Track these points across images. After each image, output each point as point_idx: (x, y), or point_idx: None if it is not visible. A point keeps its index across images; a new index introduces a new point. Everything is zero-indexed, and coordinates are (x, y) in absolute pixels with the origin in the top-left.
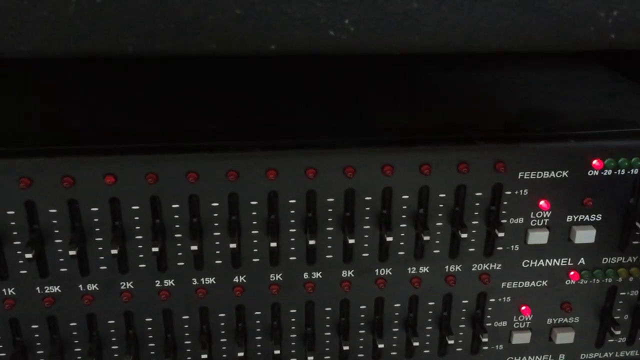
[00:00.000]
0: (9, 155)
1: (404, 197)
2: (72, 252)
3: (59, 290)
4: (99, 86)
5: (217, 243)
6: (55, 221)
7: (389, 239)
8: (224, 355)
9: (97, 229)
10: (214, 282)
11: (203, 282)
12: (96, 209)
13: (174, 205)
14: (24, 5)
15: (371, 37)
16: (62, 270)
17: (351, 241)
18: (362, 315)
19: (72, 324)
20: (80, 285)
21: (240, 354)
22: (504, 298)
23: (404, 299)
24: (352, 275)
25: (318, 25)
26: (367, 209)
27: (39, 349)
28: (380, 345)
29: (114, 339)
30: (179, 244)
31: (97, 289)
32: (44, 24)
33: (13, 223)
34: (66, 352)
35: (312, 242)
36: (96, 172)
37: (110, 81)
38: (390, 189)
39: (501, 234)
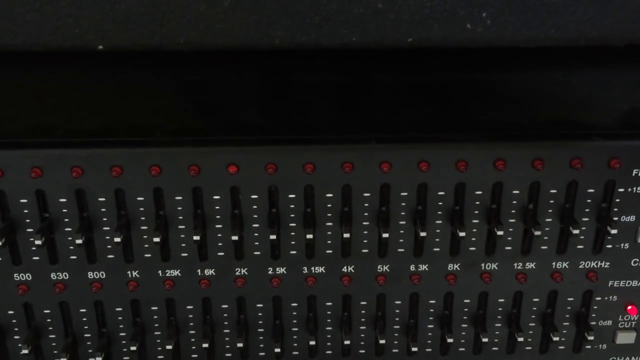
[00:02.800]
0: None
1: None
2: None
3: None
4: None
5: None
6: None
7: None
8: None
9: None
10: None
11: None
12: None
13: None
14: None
15: (507, 30)
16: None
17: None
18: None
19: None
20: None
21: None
22: (611, 297)
23: (509, 294)
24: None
25: (457, 18)
26: (477, 203)
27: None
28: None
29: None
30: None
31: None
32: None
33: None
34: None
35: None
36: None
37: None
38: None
39: (613, 231)
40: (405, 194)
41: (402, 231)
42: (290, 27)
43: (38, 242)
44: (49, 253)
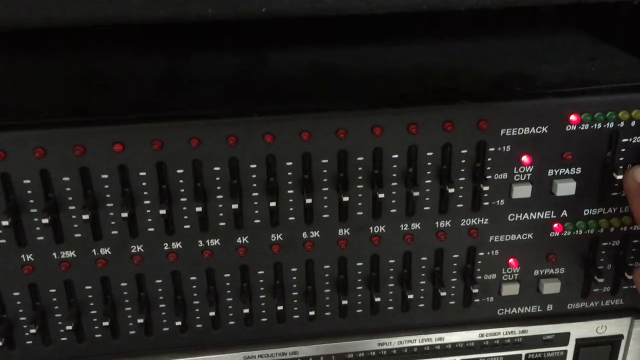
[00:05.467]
0: (23, 127)
1: (394, 156)
2: (85, 217)
3: (74, 255)
4: (100, 60)
5: (220, 206)
6: (68, 188)
7: (381, 196)
8: (231, 314)
9: (108, 195)
10: (219, 243)
11: (208, 244)
12: (106, 176)
13: (178, 171)
14: None
15: None
16: (77, 235)
17: (345, 199)
18: (359, 272)
19: (87, 288)
20: (94, 250)
21: (246, 311)
22: (492, 251)
23: (398, 255)
24: (348, 234)
25: None
26: (359, 169)
27: (57, 312)
28: (377, 299)
29: (126, 300)
30: (184, 208)
31: (110, 253)
32: None
33: (29, 192)
34: (82, 314)
35: (308, 201)
36: (105, 140)
37: (113, 55)
38: (380, 149)
39: (486, 188)
40: (291, 163)
41: (290, 200)
42: (147, 2)
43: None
44: None
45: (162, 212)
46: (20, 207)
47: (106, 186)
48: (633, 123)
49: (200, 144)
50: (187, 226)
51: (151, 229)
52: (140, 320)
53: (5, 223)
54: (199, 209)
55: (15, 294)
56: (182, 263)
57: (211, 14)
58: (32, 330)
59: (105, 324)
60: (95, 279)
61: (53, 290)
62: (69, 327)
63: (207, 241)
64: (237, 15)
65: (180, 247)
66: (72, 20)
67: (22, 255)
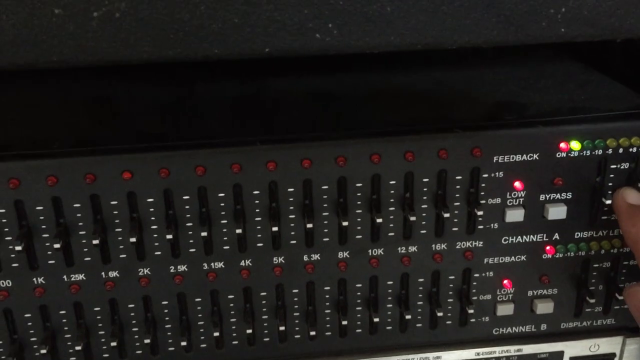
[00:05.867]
0: (37, 156)
1: (391, 182)
2: (95, 242)
3: (84, 278)
4: (108, 90)
5: (225, 230)
6: (79, 214)
7: (379, 220)
8: (234, 334)
9: (117, 221)
10: (223, 266)
11: (213, 267)
12: (115, 202)
13: (184, 197)
14: (54, 21)
15: (353, 38)
16: (86, 259)
17: (345, 224)
18: (359, 293)
19: (96, 309)
20: (103, 273)
21: (249, 331)
22: (487, 273)
23: (396, 276)
24: (348, 256)
25: (306, 29)
26: (358, 194)
27: (67, 333)
28: (376, 320)
29: (134, 321)
30: (190, 232)
31: (118, 275)
32: (71, 37)
33: (42, 217)
34: (91, 335)
35: (309, 225)
36: (115, 168)
37: (120, 85)
38: (378, 176)
39: (480, 213)
40: (292, 189)
41: (292, 224)
42: (156, 43)
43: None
44: None
45: (169, 236)
46: (33, 233)
47: (115, 212)
48: (621, 150)
49: (206, 171)
50: (193, 250)
51: (158, 253)
52: (146, 341)
53: (18, 248)
54: (204, 234)
55: (27, 315)
56: (187, 285)
57: (217, 54)
58: (43, 351)
59: (113, 344)
60: (103, 300)
61: (63, 312)
62: (78, 348)
63: (212, 264)
64: (241, 56)
65: (186, 269)
66: (85, 62)
67: (34, 278)
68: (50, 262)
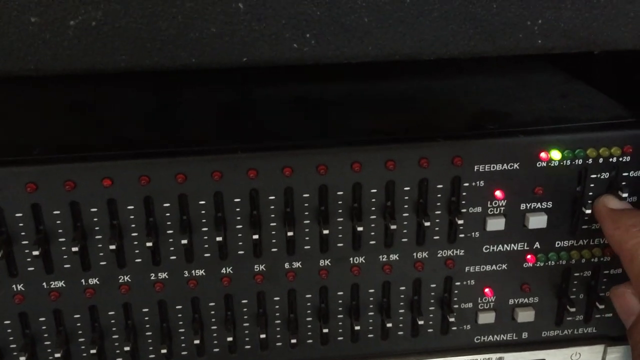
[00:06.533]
0: (16, 163)
1: (372, 191)
2: (75, 249)
3: (64, 285)
4: (88, 97)
5: (205, 238)
6: (58, 221)
7: (360, 229)
8: (215, 342)
9: (97, 228)
10: (204, 273)
11: (194, 274)
12: (95, 209)
13: (165, 204)
14: (30, 30)
15: (330, 49)
16: (66, 266)
17: (325, 232)
18: (340, 301)
19: (75, 316)
20: (83, 280)
21: (230, 339)
22: (468, 281)
23: (378, 284)
24: (329, 264)
25: (284, 39)
26: (340, 202)
27: (46, 340)
28: (357, 328)
29: (114, 329)
30: (171, 240)
31: (98, 283)
32: (48, 45)
33: (21, 224)
34: (71, 342)
35: (290, 233)
36: (95, 176)
37: (104, 94)
38: (360, 184)
39: (461, 222)
40: (273, 197)
41: (273, 232)
42: (134, 52)
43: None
44: None
45: (149, 244)
46: (12, 239)
47: (95, 219)
48: (601, 160)
49: (186, 179)
50: (173, 257)
51: (138, 260)
52: (127, 348)
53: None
54: (184, 241)
55: (6, 322)
56: (168, 293)
57: (195, 64)
58: (22, 358)
59: (93, 351)
60: (83, 308)
61: (43, 319)
62: (57, 355)
63: (193, 271)
64: (220, 65)
65: (167, 277)
66: (61, 71)
67: (13, 285)
68: (29, 269)
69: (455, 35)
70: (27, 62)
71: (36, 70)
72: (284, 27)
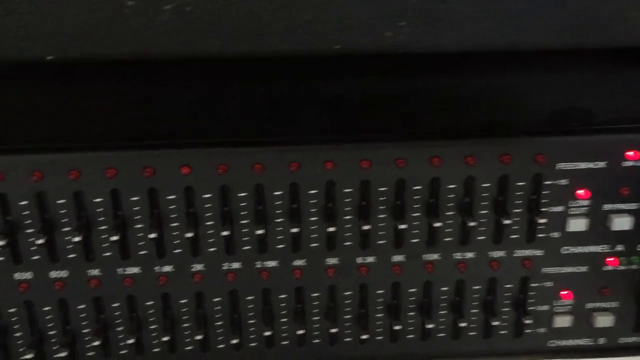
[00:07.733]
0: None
1: (450, 186)
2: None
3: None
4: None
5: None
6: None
7: (438, 224)
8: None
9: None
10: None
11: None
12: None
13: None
14: (125, 14)
15: (424, 38)
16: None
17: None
18: (412, 298)
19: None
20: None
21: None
22: (546, 283)
23: (451, 282)
24: (403, 260)
25: (377, 27)
26: (416, 197)
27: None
28: (429, 326)
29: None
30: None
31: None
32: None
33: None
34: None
35: (365, 227)
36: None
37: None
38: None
39: (542, 221)
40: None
41: (347, 226)
42: (227, 38)
43: (2, 243)
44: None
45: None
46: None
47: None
48: None
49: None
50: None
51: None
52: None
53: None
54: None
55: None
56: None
57: (287, 50)
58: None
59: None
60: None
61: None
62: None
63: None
64: (311, 52)
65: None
66: (154, 56)
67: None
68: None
69: (553, 27)
70: (121, 46)
71: (130, 55)
72: (378, 14)
